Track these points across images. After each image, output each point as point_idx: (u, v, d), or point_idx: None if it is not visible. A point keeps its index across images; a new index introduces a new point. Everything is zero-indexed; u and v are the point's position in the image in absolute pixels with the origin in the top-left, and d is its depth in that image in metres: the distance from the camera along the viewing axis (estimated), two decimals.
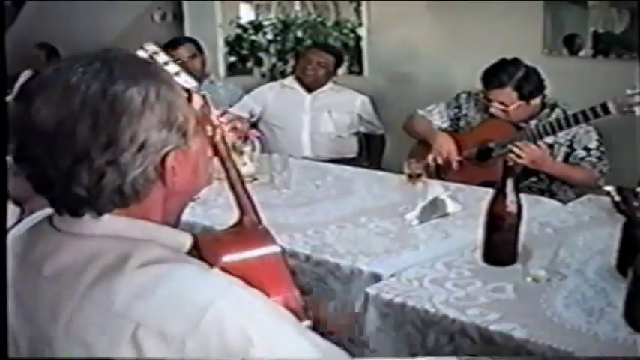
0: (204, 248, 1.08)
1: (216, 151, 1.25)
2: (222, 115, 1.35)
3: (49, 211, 1.07)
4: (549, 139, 2.93)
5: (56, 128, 0.94)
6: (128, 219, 1.02)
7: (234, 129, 2.76)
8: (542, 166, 2.91)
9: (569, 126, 2.81)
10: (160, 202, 1.04)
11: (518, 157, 2.82)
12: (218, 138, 1.27)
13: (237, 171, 1.28)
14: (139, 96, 0.96)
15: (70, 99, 0.94)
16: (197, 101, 1.16)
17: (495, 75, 2.98)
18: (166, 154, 0.99)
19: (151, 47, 1.32)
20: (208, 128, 1.22)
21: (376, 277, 1.92)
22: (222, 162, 1.27)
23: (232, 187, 1.27)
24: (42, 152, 0.96)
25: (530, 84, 2.96)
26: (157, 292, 0.95)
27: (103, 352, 0.95)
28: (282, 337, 0.99)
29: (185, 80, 1.31)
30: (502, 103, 2.98)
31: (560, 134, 2.92)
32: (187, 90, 1.20)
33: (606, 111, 2.67)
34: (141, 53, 1.31)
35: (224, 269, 1.03)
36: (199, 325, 0.92)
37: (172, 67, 1.32)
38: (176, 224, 1.11)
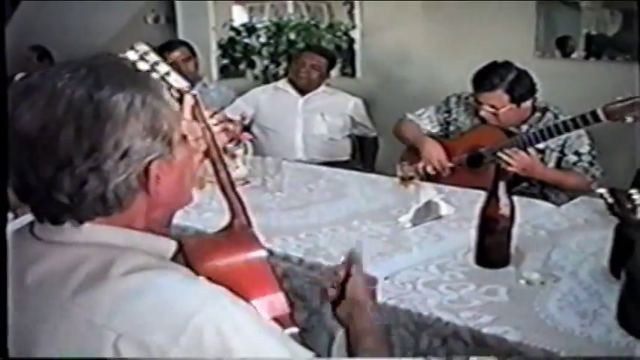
0: (189, 252, 1.08)
1: (207, 153, 1.24)
2: (212, 115, 1.34)
3: (30, 217, 1.06)
4: (541, 145, 2.92)
5: (39, 133, 0.93)
6: (110, 227, 1.01)
7: (225, 130, 2.75)
8: (533, 173, 2.89)
9: (559, 133, 2.79)
10: (144, 210, 1.03)
11: (508, 164, 2.80)
12: (209, 139, 1.26)
13: (228, 173, 1.27)
14: (124, 102, 0.95)
15: (54, 104, 0.93)
16: (188, 101, 1.15)
17: (486, 78, 2.96)
18: (150, 163, 0.98)
19: (142, 47, 1.31)
20: (199, 129, 1.22)
21: None
22: (213, 163, 1.26)
23: (223, 189, 1.26)
24: (23, 158, 0.94)
25: (521, 87, 2.94)
26: (139, 303, 0.94)
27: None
28: (264, 349, 0.98)
29: (176, 80, 1.30)
30: (492, 107, 2.96)
31: (552, 139, 2.91)
32: (178, 90, 1.19)
33: (596, 119, 2.65)
34: (131, 53, 1.29)
35: (208, 273, 1.03)
36: (181, 336, 0.92)
37: (163, 68, 1.31)
38: (166, 229, 1.11)
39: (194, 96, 1.29)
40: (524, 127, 2.98)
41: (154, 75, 1.27)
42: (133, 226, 1.03)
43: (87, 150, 0.93)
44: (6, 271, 1.00)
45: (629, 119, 2.58)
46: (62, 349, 0.96)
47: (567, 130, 2.77)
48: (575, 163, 2.93)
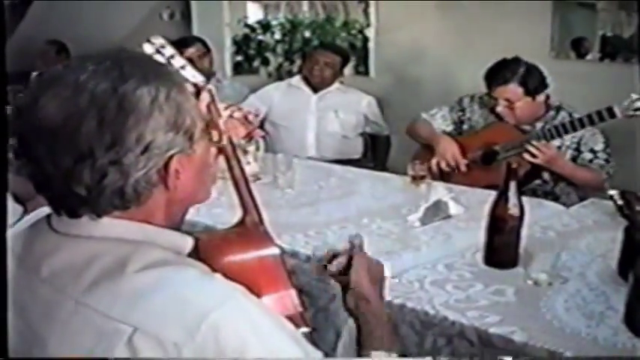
0: (203, 250, 1.07)
1: (220, 149, 1.23)
2: (226, 108, 1.35)
3: (47, 209, 1.06)
4: (556, 142, 2.92)
5: (61, 125, 0.92)
6: (128, 221, 1.00)
7: (244, 124, 2.74)
8: (555, 165, 2.89)
9: (574, 129, 2.80)
10: (162, 206, 1.02)
11: (533, 156, 2.81)
12: (224, 135, 1.26)
13: (242, 169, 1.27)
14: (149, 96, 0.95)
15: (78, 96, 0.93)
16: (204, 96, 1.16)
17: (499, 72, 2.97)
18: (171, 158, 0.98)
19: (158, 40, 1.32)
20: (214, 126, 1.22)
21: None
22: (227, 160, 1.26)
23: (236, 185, 1.26)
24: (44, 150, 0.94)
25: (534, 79, 2.95)
26: (156, 298, 0.94)
27: (99, 356, 0.94)
28: (279, 348, 0.98)
29: (192, 75, 1.31)
30: (508, 100, 2.97)
31: (567, 137, 2.91)
32: (194, 84, 1.20)
33: (612, 115, 2.66)
34: (147, 46, 1.31)
35: (220, 270, 1.02)
36: (196, 333, 0.91)
37: (178, 61, 1.32)
38: (179, 224, 1.10)
39: (209, 91, 1.29)
40: (539, 125, 2.98)
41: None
42: (151, 221, 1.02)
43: (109, 143, 0.92)
44: (6, 270, 1.01)
45: None
46: (74, 343, 0.96)
47: (582, 126, 2.78)
48: (590, 160, 2.94)
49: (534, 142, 2.83)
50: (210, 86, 1.31)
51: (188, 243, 1.06)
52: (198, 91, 1.26)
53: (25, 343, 1.01)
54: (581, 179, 2.95)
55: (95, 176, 0.94)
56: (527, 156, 2.81)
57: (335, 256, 1.37)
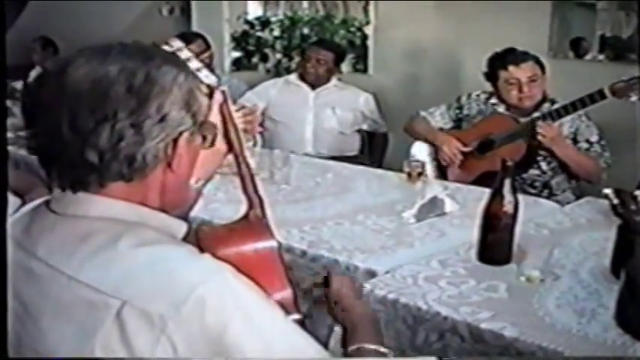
0: (203, 239, 1.10)
1: (230, 147, 1.27)
2: (239, 110, 1.37)
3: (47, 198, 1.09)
4: None
5: (90, 86, 0.97)
6: (123, 202, 1.04)
7: (249, 122, 2.74)
8: (558, 146, 2.91)
9: (567, 113, 2.84)
10: (159, 186, 1.05)
11: (543, 136, 2.85)
12: (233, 134, 1.29)
13: (248, 165, 1.29)
14: (171, 74, 1.02)
15: (108, 65, 0.99)
16: (218, 97, 1.18)
17: (513, 53, 3.04)
18: (180, 134, 1.02)
19: (176, 43, 1.34)
20: (228, 123, 1.24)
21: (371, 274, 1.92)
22: (236, 156, 1.29)
23: (242, 180, 1.27)
24: (66, 113, 0.98)
25: (540, 58, 3.06)
26: (146, 273, 0.96)
27: (89, 331, 0.96)
28: (263, 326, 0.99)
29: (206, 76, 1.33)
30: (529, 78, 3.01)
31: (564, 128, 2.96)
32: (208, 86, 1.22)
33: (603, 96, 2.73)
34: (166, 48, 1.33)
35: (218, 259, 1.04)
36: (182, 306, 0.93)
37: (194, 64, 1.34)
38: (185, 218, 1.12)
39: (223, 92, 1.32)
40: (536, 115, 3.01)
41: None
42: (146, 202, 1.05)
43: (133, 107, 0.98)
44: (6, 270, 1.03)
45: (633, 98, 2.69)
46: (66, 318, 0.98)
47: (575, 109, 2.85)
48: (587, 149, 3.00)
49: (540, 123, 2.87)
50: (223, 87, 1.34)
51: (182, 227, 1.09)
52: (211, 91, 1.29)
53: (20, 322, 1.03)
54: (582, 164, 2.97)
55: (113, 138, 0.98)
56: (539, 134, 2.85)
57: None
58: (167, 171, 1.04)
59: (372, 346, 1.22)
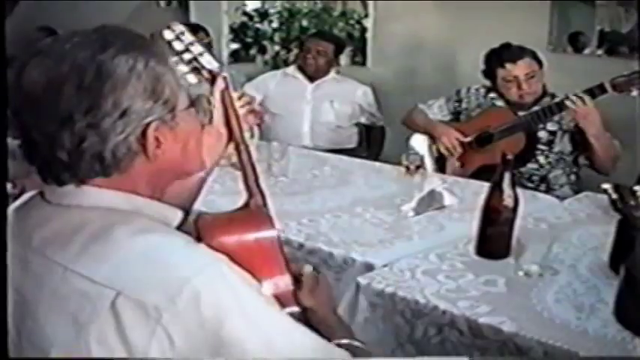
0: (202, 227, 1.09)
1: (231, 134, 1.26)
2: (240, 97, 1.36)
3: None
4: (555, 126, 2.98)
5: (44, 90, 0.96)
6: (114, 191, 1.03)
7: (252, 112, 2.74)
8: (590, 121, 2.82)
9: (567, 107, 2.81)
10: (145, 176, 1.04)
11: (576, 112, 2.80)
12: (234, 121, 1.28)
13: (249, 154, 1.28)
14: (127, 64, 0.98)
15: (60, 63, 0.96)
16: (220, 84, 1.17)
17: (509, 50, 3.01)
18: (148, 125, 1.00)
19: (179, 27, 1.34)
20: (229, 110, 1.23)
21: (369, 267, 1.92)
22: (237, 145, 1.28)
23: (243, 169, 1.27)
24: (29, 116, 0.98)
25: (537, 53, 3.03)
26: (141, 263, 0.96)
27: (84, 322, 0.95)
28: (259, 318, 0.99)
29: (208, 62, 1.32)
30: (527, 75, 2.98)
31: (563, 122, 2.95)
32: (210, 71, 1.21)
33: (603, 91, 2.71)
34: (167, 32, 1.32)
35: (217, 247, 1.03)
36: (177, 298, 0.93)
37: (197, 48, 1.33)
38: (188, 210, 1.13)
39: (225, 78, 1.31)
40: (536, 109, 3.00)
41: (188, 55, 1.31)
42: (137, 191, 1.04)
43: (87, 107, 0.96)
44: (6, 269, 1.02)
45: (634, 92, 2.68)
46: (61, 309, 0.98)
47: (575, 104, 2.79)
48: None
49: (573, 98, 2.79)
50: (225, 74, 1.33)
51: (177, 215, 1.09)
52: (213, 77, 1.27)
53: (18, 313, 1.02)
54: (607, 148, 2.90)
55: (75, 140, 0.97)
56: (569, 104, 2.78)
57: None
58: (148, 161, 1.03)
59: (345, 341, 1.19)
